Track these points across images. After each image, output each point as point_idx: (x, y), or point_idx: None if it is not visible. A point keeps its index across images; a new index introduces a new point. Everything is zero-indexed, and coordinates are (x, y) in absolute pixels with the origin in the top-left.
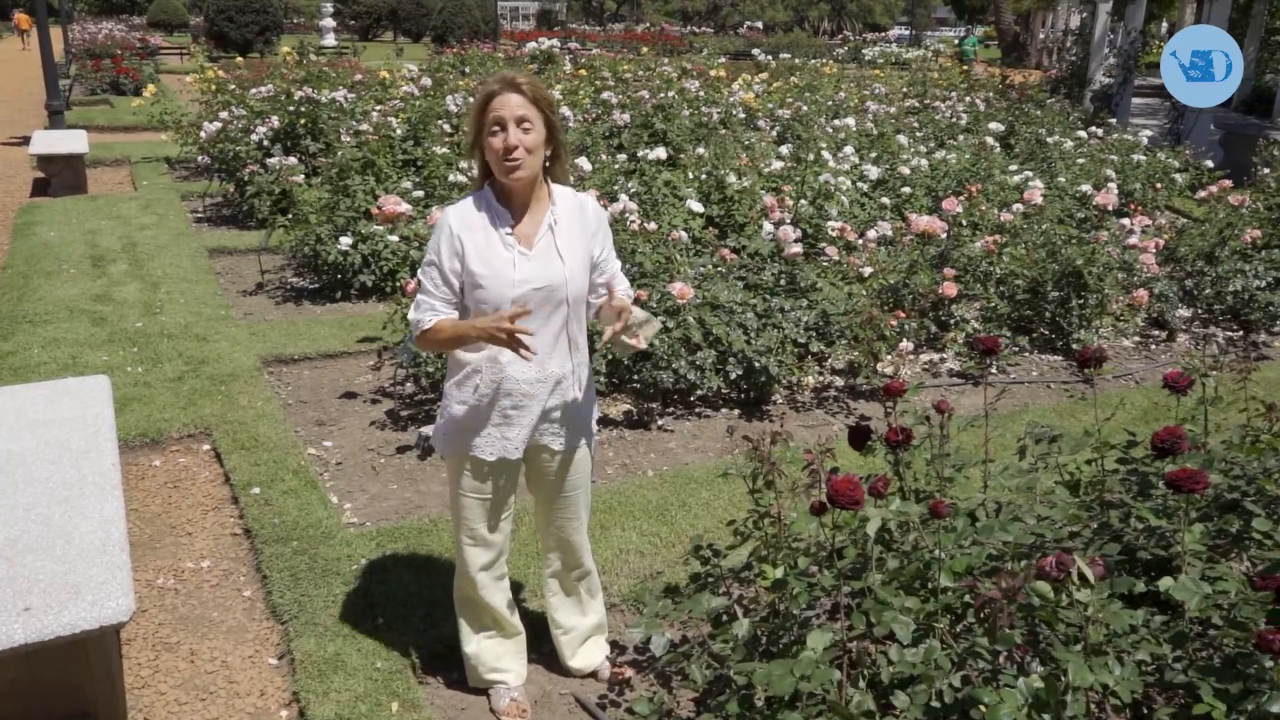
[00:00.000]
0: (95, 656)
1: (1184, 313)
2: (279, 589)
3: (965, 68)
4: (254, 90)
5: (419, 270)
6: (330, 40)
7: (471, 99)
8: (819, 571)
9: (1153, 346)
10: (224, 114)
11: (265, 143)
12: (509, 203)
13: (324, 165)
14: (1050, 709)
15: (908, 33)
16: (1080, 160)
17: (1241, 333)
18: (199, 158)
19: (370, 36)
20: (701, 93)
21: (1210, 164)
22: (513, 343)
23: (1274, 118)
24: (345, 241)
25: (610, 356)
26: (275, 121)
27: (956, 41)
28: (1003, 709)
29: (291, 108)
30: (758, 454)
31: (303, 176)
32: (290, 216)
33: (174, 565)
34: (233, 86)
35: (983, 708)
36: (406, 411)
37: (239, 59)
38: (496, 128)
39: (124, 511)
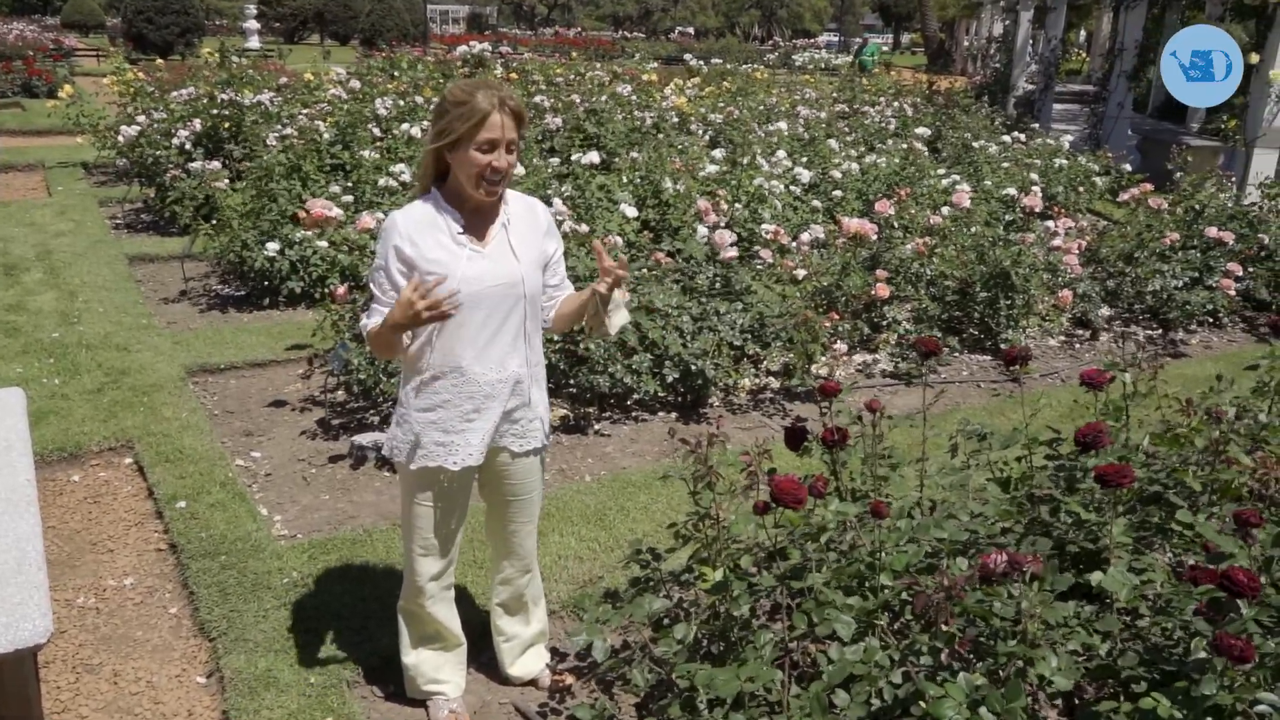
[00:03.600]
0: (10, 681)
1: (1106, 312)
2: (207, 605)
3: (867, 76)
4: (175, 93)
5: (368, 277)
6: (254, 43)
7: (403, 101)
8: (759, 572)
9: (1077, 345)
10: (143, 117)
11: (187, 147)
12: (460, 205)
13: (248, 170)
14: (996, 702)
15: (837, 39)
16: (1005, 164)
17: (1161, 331)
18: (117, 162)
19: (296, 39)
20: (634, 97)
21: (1129, 168)
22: (436, 311)
23: (1188, 123)
24: (272, 247)
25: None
26: (197, 125)
27: (853, 52)
28: (946, 704)
29: (214, 111)
30: (696, 456)
31: (227, 181)
32: (214, 222)
33: (95, 583)
34: (152, 89)
35: (923, 704)
36: (338, 420)
37: (159, 61)
38: (488, 147)
39: (40, 529)
